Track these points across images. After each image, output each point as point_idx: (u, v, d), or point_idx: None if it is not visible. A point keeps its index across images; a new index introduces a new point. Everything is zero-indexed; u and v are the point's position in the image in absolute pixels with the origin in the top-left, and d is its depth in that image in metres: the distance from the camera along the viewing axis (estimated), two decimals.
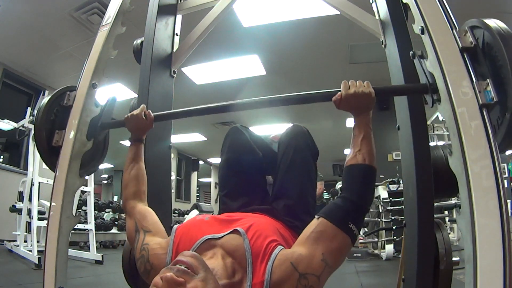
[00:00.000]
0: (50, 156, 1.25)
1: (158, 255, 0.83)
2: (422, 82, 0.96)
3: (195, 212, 5.00)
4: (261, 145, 1.26)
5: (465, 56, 0.88)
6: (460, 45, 0.89)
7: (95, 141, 1.30)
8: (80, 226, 3.59)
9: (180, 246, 0.82)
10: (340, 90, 0.90)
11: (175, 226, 0.90)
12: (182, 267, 0.66)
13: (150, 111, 1.14)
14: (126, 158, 1.11)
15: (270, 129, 6.91)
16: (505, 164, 5.23)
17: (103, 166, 8.57)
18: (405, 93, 1.12)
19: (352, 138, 0.89)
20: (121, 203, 1.08)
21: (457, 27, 0.93)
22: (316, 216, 0.79)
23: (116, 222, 5.94)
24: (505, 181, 4.62)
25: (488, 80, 0.83)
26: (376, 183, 4.47)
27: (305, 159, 1.11)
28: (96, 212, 5.39)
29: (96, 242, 3.85)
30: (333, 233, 0.75)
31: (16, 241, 3.48)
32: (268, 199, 1.21)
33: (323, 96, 0.97)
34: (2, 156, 4.75)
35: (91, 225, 3.66)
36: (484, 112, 0.81)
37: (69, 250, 1.19)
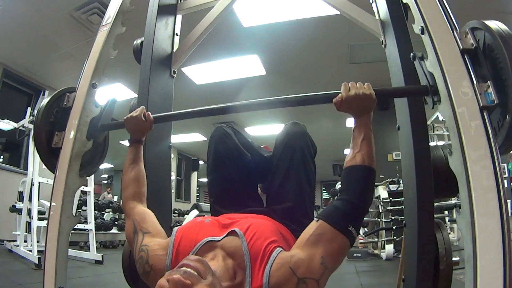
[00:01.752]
0: (50, 158, 1.24)
1: (158, 256, 0.83)
2: (423, 84, 0.96)
3: (195, 212, 4.99)
4: (249, 147, 1.21)
5: (466, 58, 0.87)
6: (461, 47, 0.89)
7: (95, 142, 1.29)
8: (80, 226, 3.59)
9: (181, 248, 0.81)
10: (340, 92, 0.90)
11: (175, 228, 0.89)
12: (189, 270, 0.66)
13: (150, 113, 1.12)
14: (126, 159, 1.09)
15: (270, 129, 6.91)
16: (505, 164, 5.23)
17: (103, 166, 8.57)
18: (406, 95, 1.12)
19: (352, 139, 0.88)
20: (121, 203, 1.07)
21: (457, 28, 0.92)
22: (315, 218, 0.78)
23: (116, 222, 5.94)
24: (505, 181, 4.61)
25: (489, 82, 0.83)
26: (376, 183, 4.49)
27: (305, 160, 1.09)
28: (96, 212, 5.39)
29: (96, 242, 3.86)
30: (332, 236, 0.74)
31: (16, 241, 3.48)
32: (261, 203, 1.19)
33: (323, 98, 0.97)
34: (2, 156, 4.75)
35: (91, 225, 3.66)
36: (485, 114, 0.80)
37: (69, 250, 1.19)
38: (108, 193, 8.53)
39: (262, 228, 0.83)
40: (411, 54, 1.02)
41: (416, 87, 1.02)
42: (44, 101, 1.29)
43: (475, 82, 0.84)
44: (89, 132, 1.26)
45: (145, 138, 1.16)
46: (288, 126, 1.16)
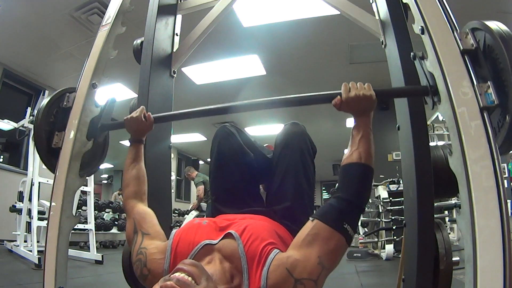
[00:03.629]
0: (50, 158, 1.24)
1: (156, 260, 0.83)
2: (423, 84, 0.95)
3: (195, 212, 5.01)
4: (252, 146, 1.22)
5: (466, 58, 0.87)
6: (461, 47, 0.88)
7: (95, 142, 1.29)
8: (80, 226, 3.58)
9: (178, 251, 0.81)
10: (340, 92, 0.89)
11: (173, 231, 0.89)
12: (183, 275, 0.66)
13: (150, 113, 1.12)
14: (126, 159, 1.09)
15: (270, 129, 6.91)
16: (505, 164, 5.23)
17: (103, 166, 8.57)
18: (405, 95, 1.12)
19: (350, 138, 0.87)
20: (120, 203, 1.07)
21: (457, 28, 0.92)
22: (310, 218, 0.77)
23: (116, 222, 5.94)
24: (505, 181, 4.61)
25: (489, 82, 0.83)
26: (376, 183, 4.49)
27: (304, 160, 1.09)
28: (96, 212, 5.38)
29: (96, 242, 3.85)
30: (328, 235, 0.73)
31: (16, 241, 3.48)
32: (262, 203, 1.19)
33: (323, 98, 0.96)
34: (2, 156, 4.75)
35: (91, 225, 3.66)
36: (485, 114, 0.80)
37: (69, 250, 1.19)
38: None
39: (259, 230, 0.82)
40: (411, 53, 1.02)
41: (416, 87, 1.02)
42: (44, 101, 1.28)
43: (475, 83, 0.84)
44: (89, 132, 1.26)
45: (145, 138, 1.15)
46: (287, 127, 1.16)
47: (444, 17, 0.93)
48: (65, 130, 1.24)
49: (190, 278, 0.65)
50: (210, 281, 0.68)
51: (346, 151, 0.88)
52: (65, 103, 1.29)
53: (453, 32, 0.91)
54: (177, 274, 0.66)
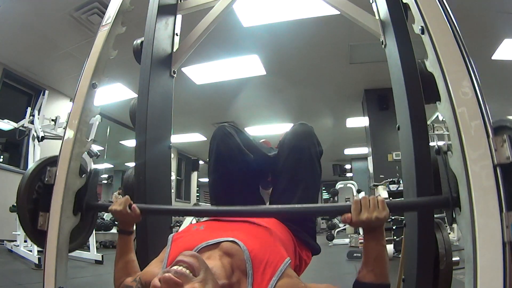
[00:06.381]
0: (38, 239, 1.15)
1: (151, 272, 0.81)
2: (444, 189, 0.85)
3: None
4: (251, 146, 1.19)
5: (498, 174, 0.73)
6: (496, 161, 0.74)
7: (82, 219, 1.18)
8: None
9: (176, 256, 0.81)
10: (350, 206, 0.81)
11: (170, 236, 0.89)
12: (181, 267, 0.66)
13: (135, 206, 1.02)
14: (116, 249, 1.05)
15: (271, 129, 6.91)
16: None
17: (103, 166, 8.56)
18: (424, 209, 1.01)
19: (363, 253, 0.83)
20: None
21: (458, 29, 0.89)
22: None
23: (116, 222, 5.94)
24: None
25: None
26: (376, 183, 4.48)
27: (311, 163, 1.09)
28: None
29: (96, 242, 3.85)
30: None
31: (16, 241, 3.48)
32: (263, 203, 1.19)
33: (333, 211, 0.93)
34: (2, 156, 4.75)
35: None
36: (507, 248, 0.69)
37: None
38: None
39: (263, 236, 0.83)
40: (435, 147, 0.90)
41: (435, 198, 0.91)
42: (24, 177, 1.17)
43: (504, 211, 0.71)
44: (76, 206, 1.15)
45: (134, 228, 1.09)
46: (296, 127, 1.16)
47: (444, 17, 0.92)
48: (49, 211, 1.11)
49: (188, 271, 0.66)
50: (208, 273, 0.68)
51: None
52: (46, 179, 1.17)
53: (487, 140, 0.75)
54: (175, 267, 0.66)
